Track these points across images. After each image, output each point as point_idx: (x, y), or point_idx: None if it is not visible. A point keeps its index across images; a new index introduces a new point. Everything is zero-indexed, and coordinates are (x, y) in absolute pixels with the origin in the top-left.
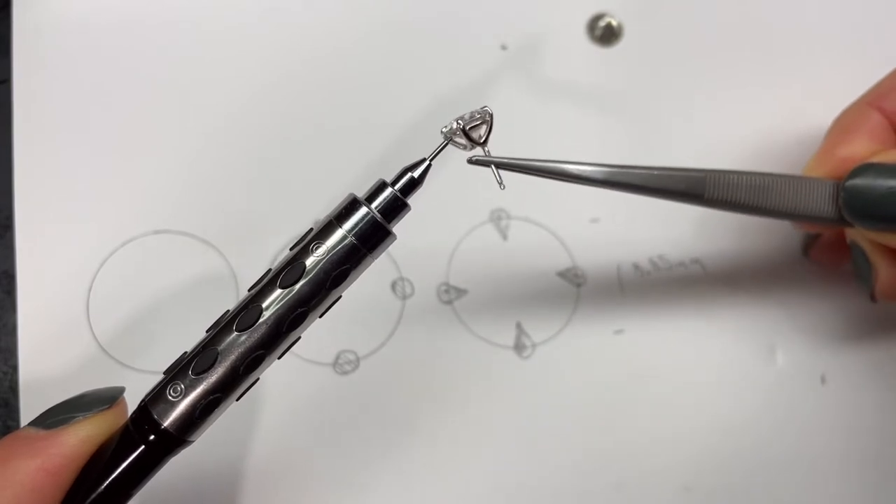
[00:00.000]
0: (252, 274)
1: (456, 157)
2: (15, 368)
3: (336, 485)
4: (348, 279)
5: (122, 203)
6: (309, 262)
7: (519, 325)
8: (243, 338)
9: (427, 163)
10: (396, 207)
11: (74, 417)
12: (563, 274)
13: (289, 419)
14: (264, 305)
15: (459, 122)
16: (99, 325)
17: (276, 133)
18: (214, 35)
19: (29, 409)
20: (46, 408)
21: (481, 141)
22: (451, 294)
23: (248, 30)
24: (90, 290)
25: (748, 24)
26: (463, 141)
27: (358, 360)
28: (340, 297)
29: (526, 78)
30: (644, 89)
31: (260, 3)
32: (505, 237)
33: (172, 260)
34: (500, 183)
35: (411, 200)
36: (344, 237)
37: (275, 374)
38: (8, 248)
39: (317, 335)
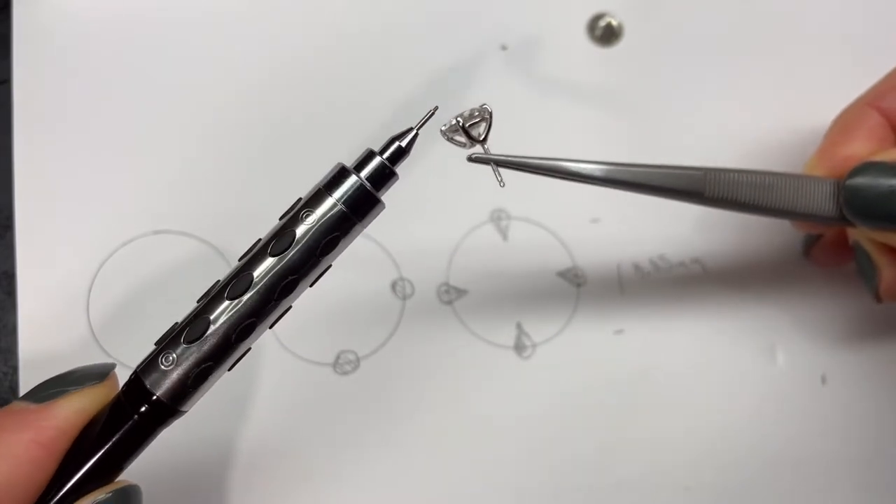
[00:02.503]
0: None
1: (455, 156)
2: (15, 369)
3: (335, 484)
4: (338, 247)
5: (122, 203)
6: (299, 230)
7: (519, 325)
8: (234, 306)
9: (414, 132)
10: (385, 176)
11: (66, 391)
12: (563, 274)
13: (289, 419)
14: (255, 274)
15: (459, 119)
16: (99, 324)
17: (276, 133)
18: (214, 35)
19: None
20: None
21: (481, 139)
22: (451, 294)
23: (248, 30)
24: (90, 290)
25: (748, 23)
26: (462, 139)
27: (358, 360)
28: (330, 265)
29: (526, 78)
30: (644, 89)
31: (260, 4)
32: (505, 237)
33: (172, 260)
34: (500, 181)
35: (398, 169)
36: (333, 205)
37: (275, 373)
38: (8, 248)
39: (317, 335)
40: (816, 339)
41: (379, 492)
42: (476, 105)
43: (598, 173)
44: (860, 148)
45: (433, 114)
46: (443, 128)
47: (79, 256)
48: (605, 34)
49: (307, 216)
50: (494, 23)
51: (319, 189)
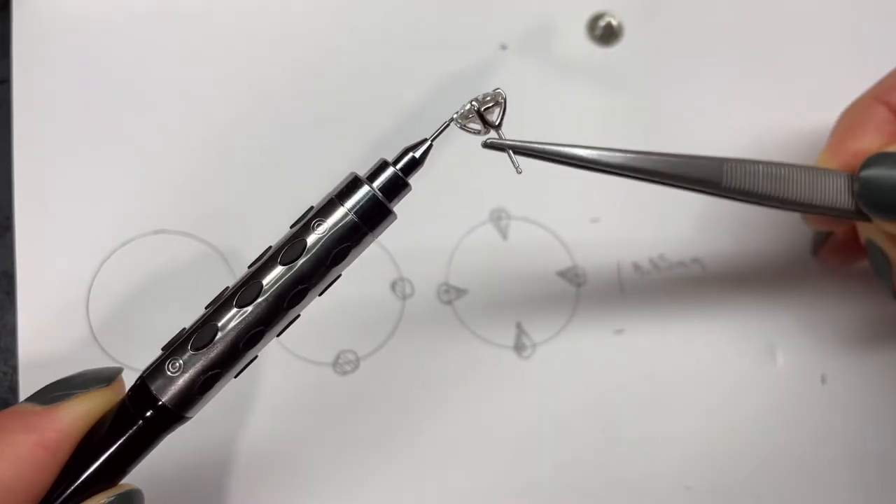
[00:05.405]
0: None
1: (455, 156)
2: (15, 369)
3: (335, 485)
4: (349, 257)
5: (122, 203)
6: (310, 239)
7: (519, 325)
8: (243, 314)
9: (428, 143)
10: (397, 187)
11: (72, 394)
12: (563, 274)
13: (288, 419)
14: (265, 282)
15: (474, 103)
16: (99, 324)
17: (276, 133)
18: (214, 35)
19: None
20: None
21: (496, 124)
22: (451, 294)
23: (249, 30)
24: (90, 290)
25: (749, 21)
26: (477, 125)
27: (358, 360)
28: (340, 275)
29: (526, 77)
30: (644, 89)
31: (260, 4)
32: (505, 237)
33: (172, 260)
34: (517, 167)
35: (412, 180)
36: (345, 215)
37: (274, 373)
38: (8, 248)
39: (317, 335)
40: (816, 339)
41: (378, 491)
42: (489, 90)
43: (615, 161)
44: (870, 142)
45: (448, 125)
46: (455, 115)
47: (78, 256)
48: (605, 34)
49: (318, 225)
50: (494, 22)
51: (331, 198)
